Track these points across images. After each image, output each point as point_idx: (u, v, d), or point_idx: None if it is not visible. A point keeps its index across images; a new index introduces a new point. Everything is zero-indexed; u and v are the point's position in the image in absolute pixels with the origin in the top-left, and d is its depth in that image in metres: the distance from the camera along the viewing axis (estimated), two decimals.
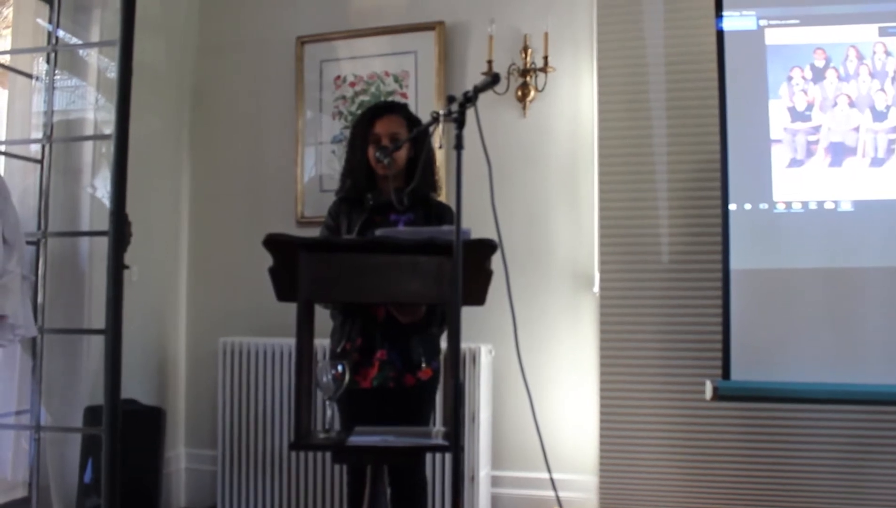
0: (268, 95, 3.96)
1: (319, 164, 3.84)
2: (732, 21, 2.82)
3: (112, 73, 3.16)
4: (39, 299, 2.98)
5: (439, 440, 2.05)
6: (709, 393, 2.73)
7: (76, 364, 3.21)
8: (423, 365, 2.47)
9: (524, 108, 3.56)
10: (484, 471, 3.30)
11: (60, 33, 3.16)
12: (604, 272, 3.35)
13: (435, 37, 3.65)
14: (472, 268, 1.90)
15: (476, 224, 2.04)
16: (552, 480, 2.29)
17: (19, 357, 3.00)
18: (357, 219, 2.52)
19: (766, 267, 2.77)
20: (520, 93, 3.54)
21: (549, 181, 3.55)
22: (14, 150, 3.13)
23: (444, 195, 2.99)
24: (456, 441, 1.80)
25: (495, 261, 1.98)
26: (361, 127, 2.60)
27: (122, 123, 2.63)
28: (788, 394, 2.72)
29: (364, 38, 3.77)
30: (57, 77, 3.16)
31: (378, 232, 2.12)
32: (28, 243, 2.73)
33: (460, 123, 1.87)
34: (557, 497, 2.91)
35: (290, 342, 3.31)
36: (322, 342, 2.61)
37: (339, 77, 3.81)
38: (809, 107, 2.75)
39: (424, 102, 3.59)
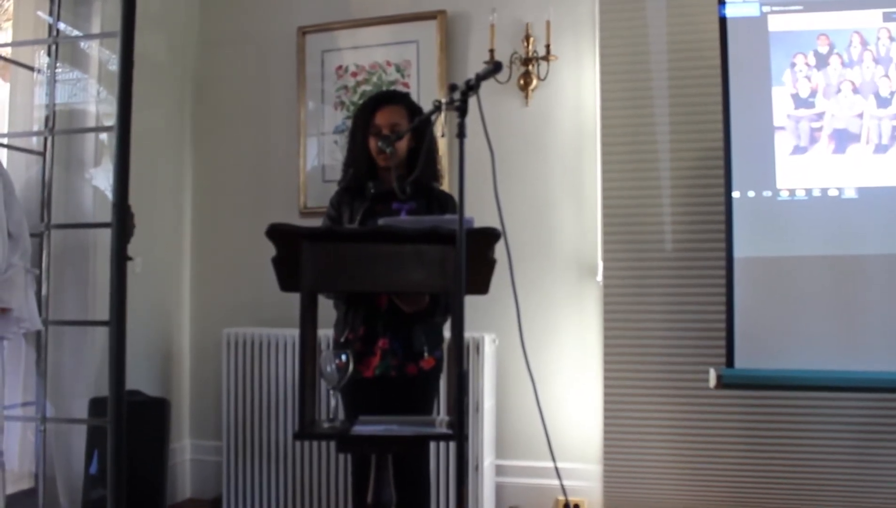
0: (269, 86, 3.96)
1: (322, 154, 3.84)
2: (735, 8, 2.81)
3: (113, 65, 3.16)
4: (43, 292, 2.99)
5: (443, 430, 2.06)
6: (712, 381, 2.73)
7: (81, 356, 3.23)
8: (426, 354, 2.47)
9: (526, 96, 3.55)
10: (488, 460, 3.31)
11: (61, 26, 3.15)
12: (607, 261, 3.34)
13: (436, 26, 3.64)
14: (475, 257, 1.90)
15: (479, 213, 2.04)
16: (556, 469, 2.29)
17: (24, 350, 3.01)
18: (359, 208, 2.51)
19: (770, 255, 2.76)
20: (522, 82, 3.53)
21: (551, 170, 3.54)
22: (16, 142, 3.13)
23: (447, 184, 2.99)
24: (460, 431, 1.81)
25: (499, 250, 1.98)
26: (362, 117, 2.59)
27: (124, 115, 2.63)
28: (792, 382, 2.72)
29: (366, 28, 3.76)
30: (58, 70, 3.17)
31: (381, 221, 2.11)
32: (31, 235, 2.74)
33: (462, 111, 1.87)
34: (562, 486, 2.92)
35: (294, 332, 3.34)
36: (326, 333, 2.61)
37: (340, 67, 3.80)
38: (813, 93, 2.74)
39: (426, 92, 3.58)
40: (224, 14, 4.06)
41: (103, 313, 2.73)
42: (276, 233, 2.00)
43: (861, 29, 2.71)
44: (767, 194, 2.75)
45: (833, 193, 2.71)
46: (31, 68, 3.18)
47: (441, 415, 2.97)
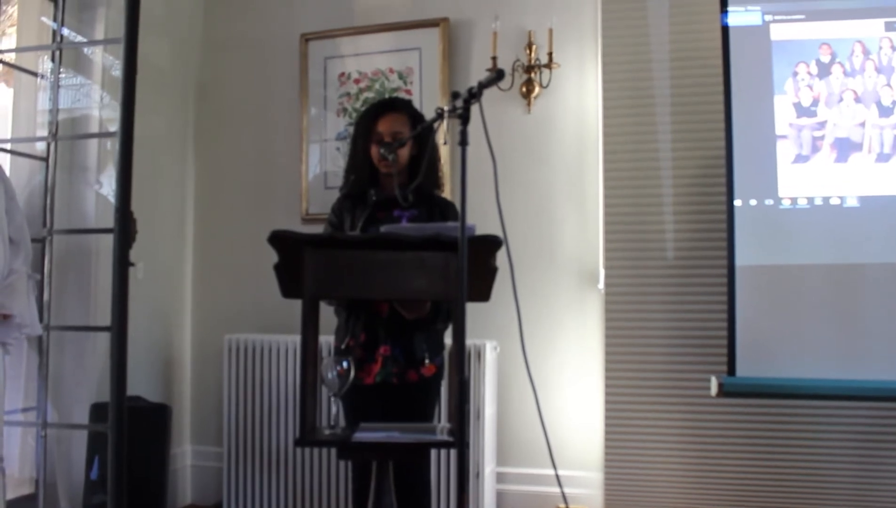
0: (272, 93, 3.97)
1: (324, 161, 3.84)
2: (737, 16, 2.82)
3: (117, 70, 3.17)
4: (45, 297, 2.99)
5: (444, 437, 2.06)
6: (714, 390, 2.73)
7: (82, 362, 3.23)
8: (427, 362, 2.47)
9: (529, 104, 3.55)
10: (489, 468, 3.31)
11: (65, 31, 3.17)
12: (609, 269, 3.34)
13: (439, 33, 3.65)
14: (477, 264, 1.90)
15: (481, 220, 2.04)
16: (557, 476, 2.29)
17: (26, 355, 3.01)
18: (360, 215, 2.51)
19: (772, 263, 2.76)
20: (524, 89, 3.54)
21: (554, 177, 3.55)
22: (20, 148, 3.14)
23: (449, 192, 3.00)
24: (461, 438, 1.80)
25: (500, 257, 1.98)
26: (364, 124, 2.59)
27: (127, 121, 2.65)
28: (794, 390, 2.71)
29: (368, 35, 3.77)
30: (62, 75, 3.17)
31: (383, 228, 2.12)
32: (34, 240, 2.75)
33: (465, 119, 1.87)
34: (563, 494, 2.91)
35: (296, 338, 3.34)
36: (327, 339, 2.61)
37: (343, 74, 3.81)
38: (815, 102, 2.74)
39: (429, 99, 3.59)
40: (227, 20, 4.07)
41: (105, 318, 2.73)
42: (278, 239, 2.00)
43: (863, 38, 2.71)
44: (769, 202, 2.75)
45: (835, 201, 2.71)
46: (35, 74, 3.19)
47: (442, 422, 2.97)
